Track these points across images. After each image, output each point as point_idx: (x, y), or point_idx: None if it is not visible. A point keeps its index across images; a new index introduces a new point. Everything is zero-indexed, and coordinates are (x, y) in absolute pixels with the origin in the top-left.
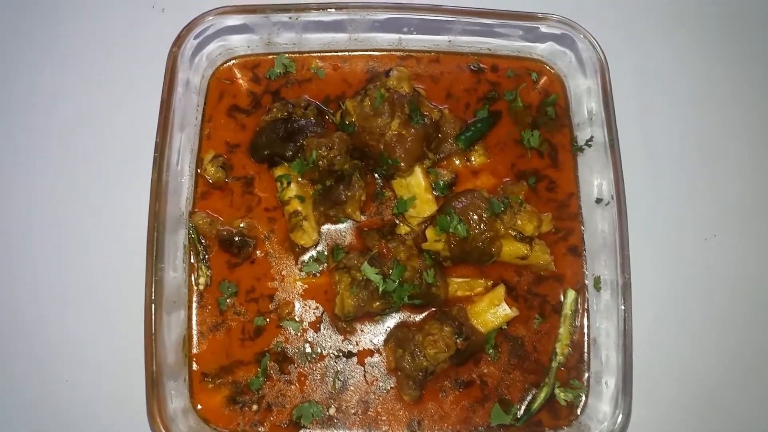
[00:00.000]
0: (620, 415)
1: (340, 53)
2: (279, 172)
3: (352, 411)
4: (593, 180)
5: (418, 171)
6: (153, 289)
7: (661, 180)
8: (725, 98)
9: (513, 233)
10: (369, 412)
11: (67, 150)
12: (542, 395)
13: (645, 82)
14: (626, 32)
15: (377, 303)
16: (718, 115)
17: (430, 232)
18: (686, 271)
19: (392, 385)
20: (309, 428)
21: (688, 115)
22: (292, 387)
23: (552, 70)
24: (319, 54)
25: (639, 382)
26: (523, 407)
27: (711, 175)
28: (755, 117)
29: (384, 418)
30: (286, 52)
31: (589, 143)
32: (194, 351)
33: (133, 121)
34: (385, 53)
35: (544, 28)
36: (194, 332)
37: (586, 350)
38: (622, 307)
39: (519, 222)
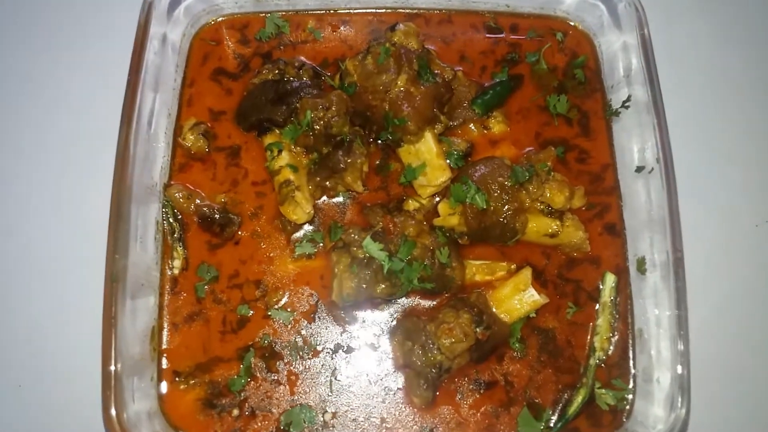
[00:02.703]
0: (683, 413)
1: (339, 12)
2: (269, 140)
3: (352, 417)
4: (633, 146)
5: (429, 136)
6: (115, 264)
7: (707, 163)
8: None
9: (540, 206)
10: (372, 419)
11: (23, 113)
12: (579, 398)
13: (685, 58)
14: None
15: (382, 286)
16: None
17: (443, 206)
18: (735, 259)
19: (400, 386)
20: None
21: (732, 95)
22: (281, 388)
23: (579, 27)
24: (315, 12)
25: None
26: (556, 413)
27: (762, 159)
28: None
29: (390, 425)
30: (278, 11)
31: (627, 104)
32: (164, 345)
33: (105, 83)
34: (390, 11)
35: None
36: (165, 323)
37: (630, 343)
38: (675, 287)
39: (547, 193)
